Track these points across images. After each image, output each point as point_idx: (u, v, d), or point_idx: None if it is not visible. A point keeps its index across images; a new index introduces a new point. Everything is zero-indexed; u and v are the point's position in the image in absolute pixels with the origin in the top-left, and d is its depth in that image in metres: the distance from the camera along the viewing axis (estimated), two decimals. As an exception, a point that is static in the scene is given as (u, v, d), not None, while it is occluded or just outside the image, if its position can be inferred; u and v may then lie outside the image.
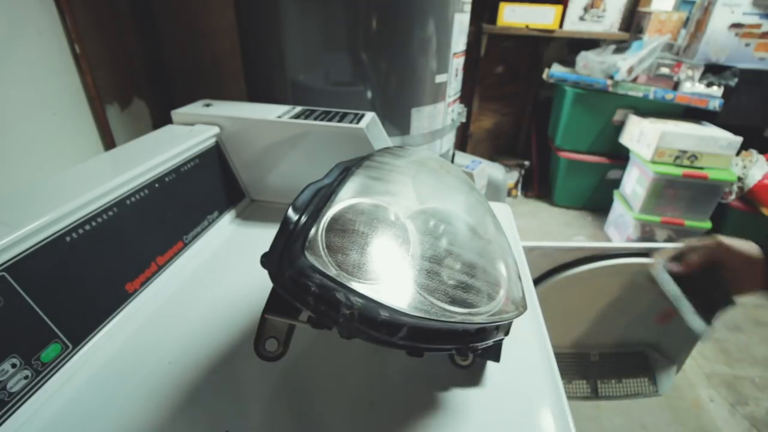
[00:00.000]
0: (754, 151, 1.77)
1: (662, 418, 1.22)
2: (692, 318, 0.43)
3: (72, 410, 0.34)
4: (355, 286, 0.27)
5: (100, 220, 0.41)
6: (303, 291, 0.29)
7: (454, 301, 0.30)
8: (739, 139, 1.66)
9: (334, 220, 0.31)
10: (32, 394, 0.34)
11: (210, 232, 0.56)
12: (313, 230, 0.29)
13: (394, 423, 0.35)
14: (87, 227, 0.40)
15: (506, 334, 0.36)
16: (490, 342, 0.34)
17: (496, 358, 0.37)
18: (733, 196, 1.78)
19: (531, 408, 0.36)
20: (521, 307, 0.34)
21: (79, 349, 0.37)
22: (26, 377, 0.33)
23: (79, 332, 0.38)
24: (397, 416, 0.35)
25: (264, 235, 0.59)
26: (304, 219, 0.31)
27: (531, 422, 0.35)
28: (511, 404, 0.37)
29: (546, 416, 0.35)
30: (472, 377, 0.39)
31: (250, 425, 0.34)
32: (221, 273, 0.51)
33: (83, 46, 0.80)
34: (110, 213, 0.43)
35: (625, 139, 1.93)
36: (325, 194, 0.33)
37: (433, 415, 0.35)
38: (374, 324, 0.29)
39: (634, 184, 1.88)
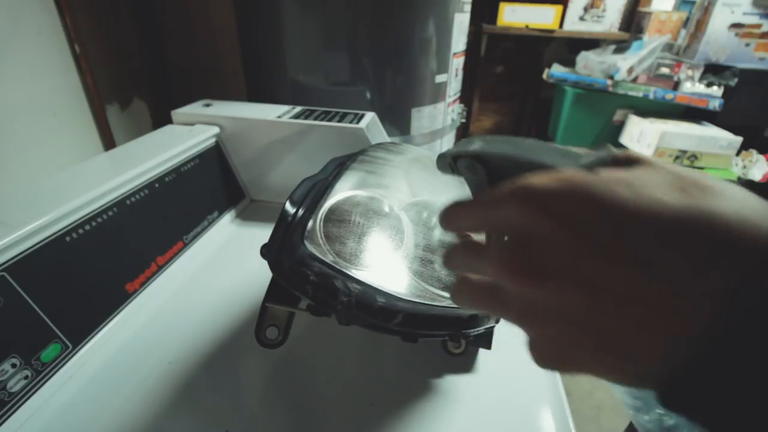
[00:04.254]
0: (754, 151, 1.77)
1: (662, 418, 1.22)
2: None
3: (72, 410, 0.34)
4: (352, 273, 0.28)
5: (100, 220, 0.41)
6: (302, 280, 0.30)
7: (447, 287, 0.31)
8: (739, 139, 1.66)
9: (331, 211, 0.32)
10: (32, 394, 0.34)
11: (210, 232, 0.56)
12: (311, 221, 0.30)
13: (392, 416, 0.34)
14: (87, 227, 0.40)
15: (497, 321, 0.37)
16: (481, 329, 0.35)
17: (488, 346, 0.38)
18: (733, 196, 1.77)
19: (531, 408, 0.36)
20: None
21: (79, 349, 0.37)
22: (26, 377, 0.33)
23: (79, 332, 0.38)
24: (394, 407, 0.35)
25: (264, 235, 0.58)
26: (301, 211, 0.31)
27: (531, 422, 0.35)
28: (511, 404, 0.36)
29: (546, 416, 0.35)
30: (473, 377, 0.39)
31: (250, 425, 0.34)
32: (221, 273, 0.51)
33: (83, 46, 0.80)
34: (110, 213, 0.42)
35: (625, 139, 1.93)
36: (321, 187, 0.34)
37: (428, 407, 0.35)
38: (371, 310, 0.30)
39: (634, 184, 1.88)
